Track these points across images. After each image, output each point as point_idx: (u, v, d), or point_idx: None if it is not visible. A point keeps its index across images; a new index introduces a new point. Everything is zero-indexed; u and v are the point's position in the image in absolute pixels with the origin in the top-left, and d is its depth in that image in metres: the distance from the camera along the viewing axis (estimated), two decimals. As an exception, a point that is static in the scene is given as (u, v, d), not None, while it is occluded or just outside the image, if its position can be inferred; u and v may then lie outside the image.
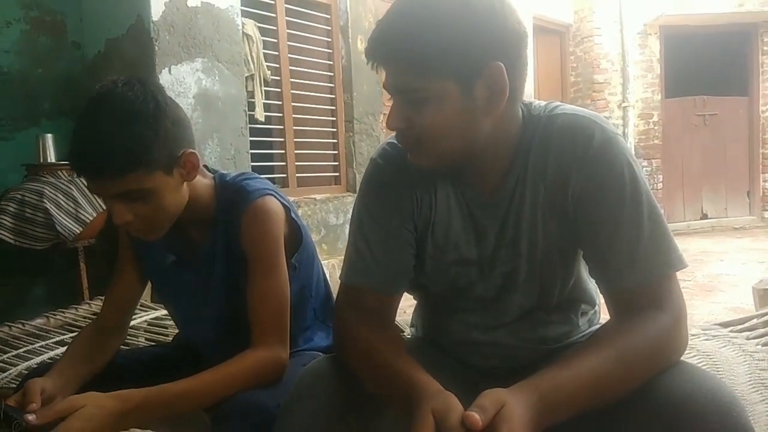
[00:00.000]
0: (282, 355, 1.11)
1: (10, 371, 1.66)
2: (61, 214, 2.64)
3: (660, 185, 7.12)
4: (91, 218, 2.72)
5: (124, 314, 1.31)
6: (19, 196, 2.62)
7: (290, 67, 4.07)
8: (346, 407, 0.87)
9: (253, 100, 3.75)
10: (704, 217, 7.33)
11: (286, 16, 4.03)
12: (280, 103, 4.03)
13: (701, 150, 7.22)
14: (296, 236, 1.24)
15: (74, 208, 2.69)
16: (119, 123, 0.99)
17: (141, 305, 2.19)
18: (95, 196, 2.77)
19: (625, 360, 0.79)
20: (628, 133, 7.00)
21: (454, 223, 0.99)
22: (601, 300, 1.03)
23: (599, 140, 0.88)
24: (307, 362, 1.01)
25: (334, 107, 4.41)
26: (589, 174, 0.88)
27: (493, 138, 0.91)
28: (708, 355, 1.44)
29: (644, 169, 7.01)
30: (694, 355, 1.44)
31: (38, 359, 1.77)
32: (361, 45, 4.33)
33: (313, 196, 4.13)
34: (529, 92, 6.03)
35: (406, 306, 1.23)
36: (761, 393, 1.22)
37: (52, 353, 1.84)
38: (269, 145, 4.01)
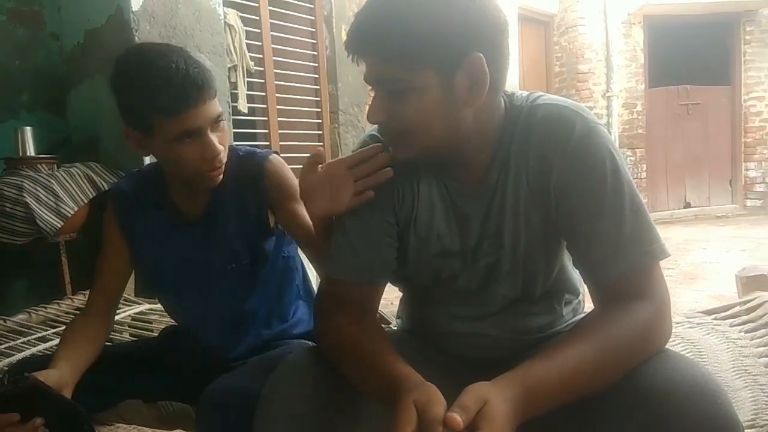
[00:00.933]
0: None
1: (-9, 368, 1.64)
2: (42, 209, 2.60)
3: (644, 174, 7.18)
4: (72, 212, 2.68)
5: (111, 302, 1.30)
6: (-2, 191, 2.57)
7: (274, 58, 4.03)
8: (327, 398, 0.87)
9: (236, 91, 3.71)
10: (687, 205, 7.41)
11: (269, 5, 3.99)
12: (263, 94, 3.99)
13: (684, 139, 7.29)
14: None
15: (54, 202, 2.65)
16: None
17: (124, 300, 2.16)
18: (76, 189, 2.74)
19: (609, 350, 0.79)
20: (612, 122, 7.05)
21: (436, 214, 0.99)
22: (585, 289, 1.03)
23: (580, 131, 0.88)
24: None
25: (318, 98, 4.38)
26: (570, 165, 0.88)
27: (476, 129, 0.91)
28: (692, 343, 1.45)
29: (628, 158, 7.07)
30: (678, 343, 1.45)
31: (20, 356, 1.74)
32: (345, 35, 4.30)
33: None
34: (513, 82, 6.03)
35: (393, 297, 1.23)
36: (744, 380, 1.23)
37: (34, 349, 1.81)
38: (253, 137, 3.98)
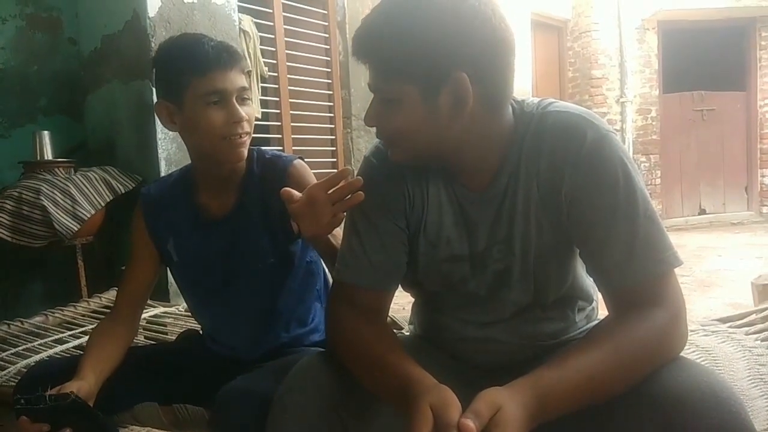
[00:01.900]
0: None
1: (9, 369, 1.66)
2: (59, 212, 2.63)
3: (658, 181, 7.12)
4: (88, 216, 2.71)
5: (137, 305, 1.33)
6: (17, 194, 2.61)
7: (287, 63, 4.06)
8: (339, 402, 0.87)
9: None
10: (702, 212, 7.34)
11: (283, 11, 4.02)
12: (277, 99, 4.02)
13: (699, 145, 7.22)
14: None
15: (72, 205, 2.68)
16: None
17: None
18: (93, 193, 2.77)
19: (623, 357, 0.79)
20: (626, 128, 7.00)
21: (445, 219, 0.99)
22: (599, 296, 1.03)
23: (592, 139, 0.88)
24: None
25: (331, 103, 4.39)
26: (582, 173, 0.88)
27: (470, 139, 0.92)
28: (707, 351, 1.44)
29: (642, 164, 7.01)
30: (693, 351, 1.44)
31: (37, 357, 1.77)
32: (358, 41, 4.31)
33: (311, 193, 4.10)
34: (526, 88, 6.02)
35: (405, 303, 1.23)
36: (761, 388, 1.22)
37: (50, 351, 1.83)
38: (267, 142, 4.00)
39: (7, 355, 1.78)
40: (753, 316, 1.65)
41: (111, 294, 2.43)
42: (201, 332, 1.43)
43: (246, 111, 1.18)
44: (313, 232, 1.03)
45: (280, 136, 4.04)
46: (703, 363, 1.24)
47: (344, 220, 1.04)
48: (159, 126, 2.85)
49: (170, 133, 2.75)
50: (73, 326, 2.12)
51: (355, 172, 1.05)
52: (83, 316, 2.26)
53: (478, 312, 1.02)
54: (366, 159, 1.05)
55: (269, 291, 1.27)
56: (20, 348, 1.86)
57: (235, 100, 1.16)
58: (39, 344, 1.91)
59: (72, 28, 3.31)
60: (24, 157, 2.89)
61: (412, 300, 1.17)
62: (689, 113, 7.20)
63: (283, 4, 4.00)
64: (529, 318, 1.01)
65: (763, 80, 7.19)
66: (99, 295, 2.48)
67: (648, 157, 7.11)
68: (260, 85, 3.83)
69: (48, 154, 2.88)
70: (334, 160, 4.40)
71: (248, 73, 1.20)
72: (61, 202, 2.66)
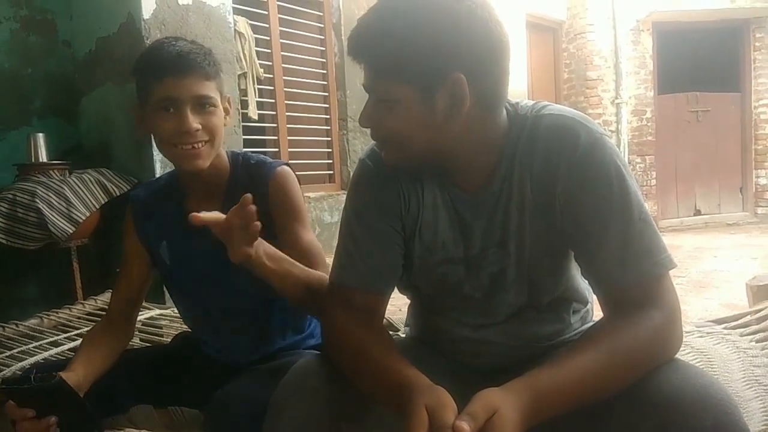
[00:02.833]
0: None
1: (4, 372, 1.65)
2: (54, 214, 2.63)
3: (653, 182, 7.14)
4: (83, 218, 2.70)
5: (131, 308, 1.32)
6: (11, 196, 2.60)
7: (283, 65, 4.06)
8: (335, 405, 0.87)
9: (245, 98, 3.74)
10: (697, 213, 7.36)
11: (279, 13, 4.02)
12: (273, 101, 4.02)
13: (694, 146, 7.24)
14: None
15: (66, 207, 2.67)
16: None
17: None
18: (88, 195, 2.76)
19: (619, 357, 0.79)
20: (622, 129, 7.02)
21: (441, 222, 0.99)
22: (593, 297, 1.03)
23: (585, 142, 0.88)
24: None
25: (327, 105, 4.39)
26: (576, 176, 0.89)
27: (465, 141, 0.92)
28: (702, 352, 1.45)
29: (637, 165, 7.03)
30: (688, 352, 1.44)
31: (32, 360, 1.76)
32: (354, 42, 4.31)
33: (307, 194, 4.11)
34: (522, 89, 6.02)
35: (402, 305, 1.23)
36: (755, 390, 1.22)
37: (45, 354, 1.82)
38: (262, 144, 4.00)
39: (1, 358, 1.78)
40: (748, 318, 1.66)
41: (106, 296, 2.42)
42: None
43: (204, 120, 1.14)
44: (233, 258, 0.98)
45: (275, 137, 4.03)
46: (698, 364, 1.25)
47: (341, 222, 1.04)
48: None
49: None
50: (69, 329, 2.11)
51: (351, 175, 1.04)
52: (78, 318, 2.25)
53: (473, 314, 1.02)
54: (362, 161, 1.04)
55: (261, 300, 1.24)
56: (15, 350, 1.85)
57: (189, 109, 1.12)
58: (34, 347, 1.90)
59: (66, 30, 3.30)
60: (18, 160, 2.88)
61: (408, 302, 1.17)
62: (684, 114, 7.22)
63: (278, 6, 4.01)
64: (524, 320, 1.01)
65: (757, 81, 7.21)
66: (94, 297, 2.48)
67: (643, 158, 7.13)
68: (256, 86, 3.83)
69: (42, 157, 2.87)
70: (330, 161, 4.41)
71: (217, 80, 1.16)
72: (56, 204, 2.65)
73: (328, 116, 4.40)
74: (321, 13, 4.35)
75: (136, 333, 2.00)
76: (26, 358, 1.78)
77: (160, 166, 2.95)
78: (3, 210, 2.56)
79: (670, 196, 7.28)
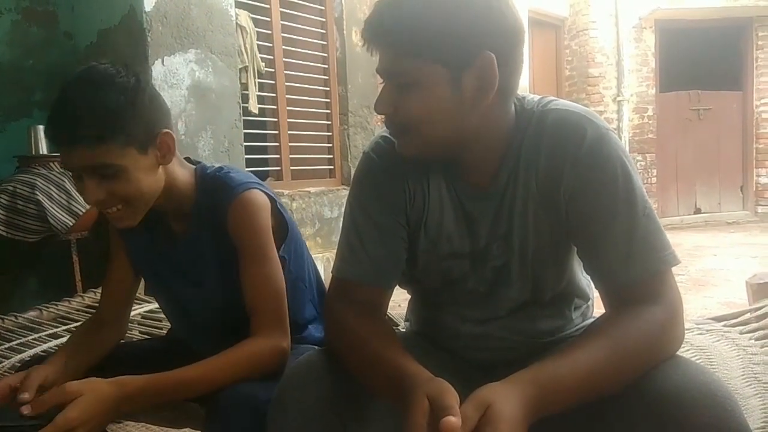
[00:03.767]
0: (282, 343, 1.09)
1: (4, 364, 1.65)
2: (54, 206, 2.62)
3: (654, 179, 7.14)
4: (83, 210, 2.70)
5: (121, 306, 1.30)
6: (11, 188, 2.60)
7: (284, 59, 4.05)
8: (338, 399, 0.87)
9: (246, 92, 3.73)
10: (698, 211, 7.36)
11: (280, 7, 4.01)
12: (274, 95, 4.01)
13: (695, 144, 7.24)
14: (283, 228, 1.23)
15: (66, 200, 2.67)
16: (95, 90, 0.99)
17: (135, 298, 2.17)
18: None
19: (622, 353, 0.79)
20: (623, 127, 7.02)
21: (446, 216, 0.99)
22: (594, 294, 1.03)
23: (591, 136, 0.88)
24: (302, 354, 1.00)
25: (328, 100, 4.39)
26: (581, 171, 0.88)
27: (482, 130, 0.91)
28: (702, 350, 1.45)
29: (638, 163, 7.03)
30: (688, 350, 1.44)
31: (31, 352, 1.76)
32: (355, 37, 4.31)
33: (307, 189, 4.11)
34: (524, 85, 6.00)
35: (401, 300, 1.23)
36: (754, 387, 1.22)
37: (45, 346, 1.82)
38: (263, 138, 4.00)
39: (1, 350, 1.78)
40: (747, 315, 1.66)
41: (106, 289, 2.42)
42: None
43: (110, 188, 1.02)
44: None
45: (276, 132, 4.03)
46: (698, 361, 1.25)
47: (343, 216, 1.03)
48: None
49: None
50: (68, 321, 2.11)
51: (353, 168, 1.03)
52: (78, 311, 2.25)
53: (475, 309, 1.02)
54: (366, 154, 1.03)
55: (243, 312, 1.15)
56: (14, 342, 1.85)
57: (88, 179, 1.01)
58: (33, 339, 1.90)
59: (68, 22, 3.29)
60: (19, 152, 2.88)
61: (408, 297, 1.17)
62: (686, 112, 7.22)
63: (280, -1, 4.00)
64: (526, 315, 1.01)
65: (759, 80, 7.21)
66: (94, 290, 2.47)
67: (644, 156, 7.13)
68: (257, 80, 3.82)
69: (43, 149, 2.87)
70: (331, 156, 4.40)
71: (122, 137, 0.99)
72: (56, 196, 2.65)
73: (328, 111, 4.40)
74: (323, 8, 4.33)
75: (136, 326, 2.00)
76: (25, 350, 1.78)
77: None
78: (3, 202, 2.56)
79: (671, 194, 7.29)
